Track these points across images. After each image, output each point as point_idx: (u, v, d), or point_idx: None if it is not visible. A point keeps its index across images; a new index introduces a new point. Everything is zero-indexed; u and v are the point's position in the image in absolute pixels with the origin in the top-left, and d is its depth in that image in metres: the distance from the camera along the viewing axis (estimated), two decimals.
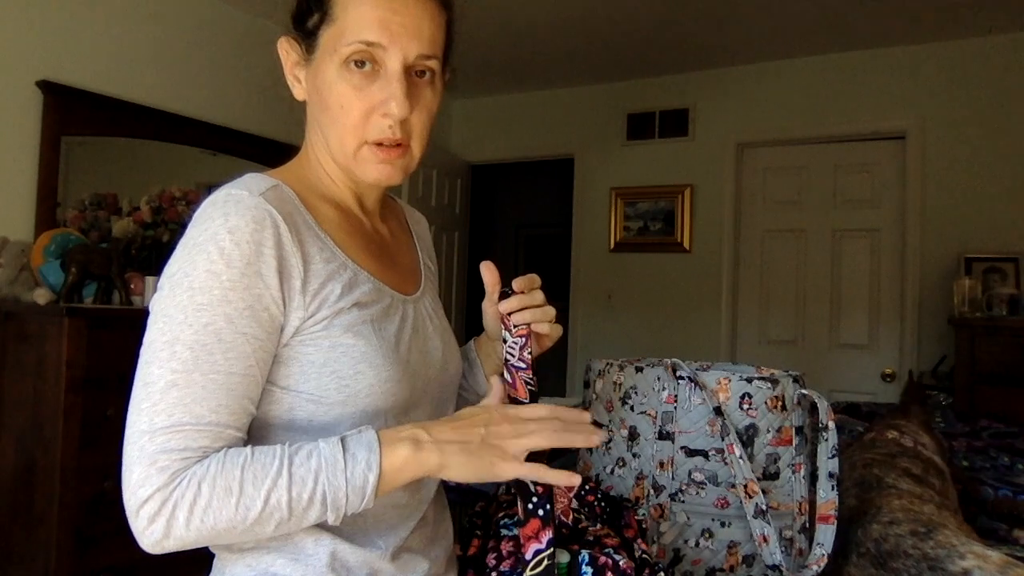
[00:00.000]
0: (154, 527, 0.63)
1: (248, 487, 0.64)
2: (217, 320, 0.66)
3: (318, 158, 0.82)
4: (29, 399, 2.14)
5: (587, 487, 0.95)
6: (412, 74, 0.76)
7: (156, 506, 0.63)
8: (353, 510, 0.67)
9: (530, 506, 0.74)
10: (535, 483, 0.72)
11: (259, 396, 0.70)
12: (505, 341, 0.82)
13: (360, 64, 0.74)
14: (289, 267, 0.70)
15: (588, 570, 0.80)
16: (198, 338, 0.65)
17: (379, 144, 0.76)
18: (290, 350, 0.72)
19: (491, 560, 0.87)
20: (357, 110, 0.74)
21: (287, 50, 0.81)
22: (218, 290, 0.66)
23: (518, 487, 0.74)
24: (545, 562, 0.73)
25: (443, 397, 0.87)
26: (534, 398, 0.77)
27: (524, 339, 0.81)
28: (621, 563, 0.81)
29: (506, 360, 0.81)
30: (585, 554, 0.81)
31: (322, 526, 0.72)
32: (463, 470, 0.69)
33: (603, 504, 0.98)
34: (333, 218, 0.79)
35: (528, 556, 0.73)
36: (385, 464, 0.66)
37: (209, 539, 0.65)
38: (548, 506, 0.73)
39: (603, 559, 0.82)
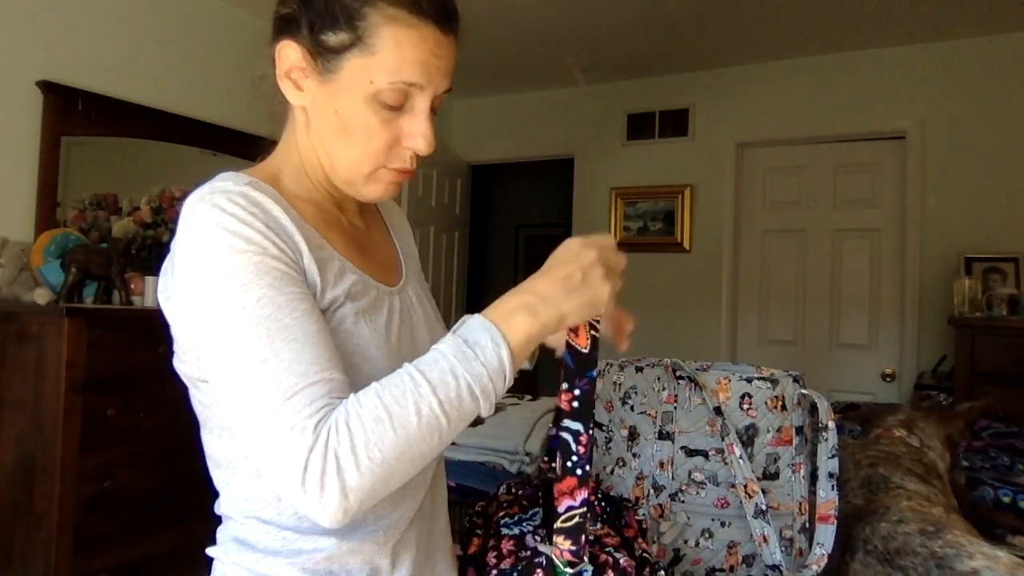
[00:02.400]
0: (328, 491, 0.60)
1: (395, 407, 0.62)
2: (266, 291, 0.65)
3: (302, 163, 0.81)
4: (29, 399, 2.14)
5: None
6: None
7: (319, 465, 0.60)
8: (501, 391, 0.67)
9: (569, 464, 0.74)
10: (576, 442, 0.73)
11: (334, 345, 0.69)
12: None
13: (394, 103, 0.74)
14: (295, 243, 0.71)
15: (588, 568, 0.80)
16: (259, 313, 0.65)
17: (397, 172, 0.78)
18: None
19: (491, 559, 0.87)
20: (383, 140, 0.75)
21: (289, 55, 0.76)
22: (250, 266, 0.66)
23: (561, 444, 0.75)
24: (576, 519, 0.73)
25: None
26: (595, 343, 0.75)
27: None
28: (621, 561, 0.82)
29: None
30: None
31: (314, 526, 0.72)
32: (580, 312, 0.70)
33: (603, 504, 0.98)
34: (311, 214, 0.79)
35: (561, 510, 0.74)
36: (511, 339, 0.66)
37: (386, 479, 0.63)
38: (588, 467, 0.73)
39: (603, 557, 0.82)
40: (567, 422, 0.73)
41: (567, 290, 0.69)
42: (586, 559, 0.76)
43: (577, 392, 0.73)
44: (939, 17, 3.08)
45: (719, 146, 3.82)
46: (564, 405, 0.73)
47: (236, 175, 0.74)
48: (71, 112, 2.59)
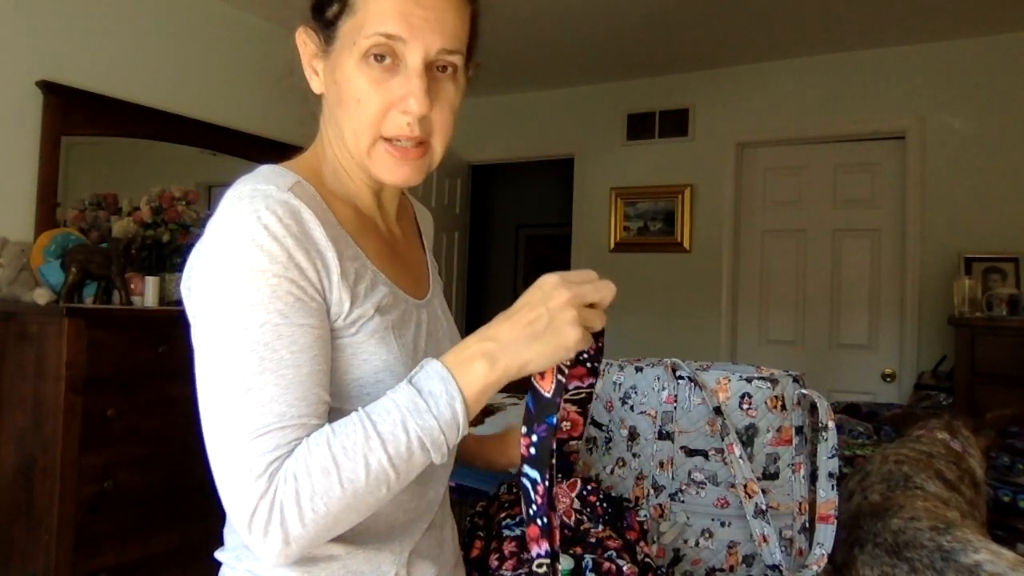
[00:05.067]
0: (270, 537, 0.61)
1: (343, 460, 0.61)
2: (272, 317, 0.64)
3: (335, 154, 0.79)
4: (29, 399, 2.14)
5: (589, 487, 0.95)
6: (434, 69, 0.73)
7: (265, 514, 0.60)
8: (453, 443, 0.65)
9: (531, 512, 0.71)
10: (534, 491, 0.70)
11: (329, 383, 0.68)
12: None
13: (379, 58, 0.71)
14: (326, 260, 0.69)
15: None
16: (259, 338, 0.63)
17: (393, 140, 0.74)
18: None
19: (494, 561, 0.87)
20: (375, 105, 0.72)
21: (305, 41, 0.78)
22: (266, 287, 0.64)
23: (522, 491, 0.72)
24: (544, 568, 0.71)
25: None
26: (560, 388, 0.70)
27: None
28: (625, 569, 0.81)
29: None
30: (589, 560, 0.81)
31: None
32: (542, 359, 0.65)
33: (605, 505, 0.98)
34: (350, 218, 0.77)
35: (532, 555, 0.73)
36: (466, 389, 0.64)
37: (330, 528, 0.63)
38: (546, 518, 0.69)
39: (607, 565, 0.81)
40: (526, 468, 0.69)
41: (530, 336, 0.65)
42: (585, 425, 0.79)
43: (534, 438, 0.68)
44: (939, 17, 3.08)
45: (719, 146, 3.82)
46: (523, 451, 0.69)
47: (282, 172, 0.72)
48: (71, 112, 2.59)
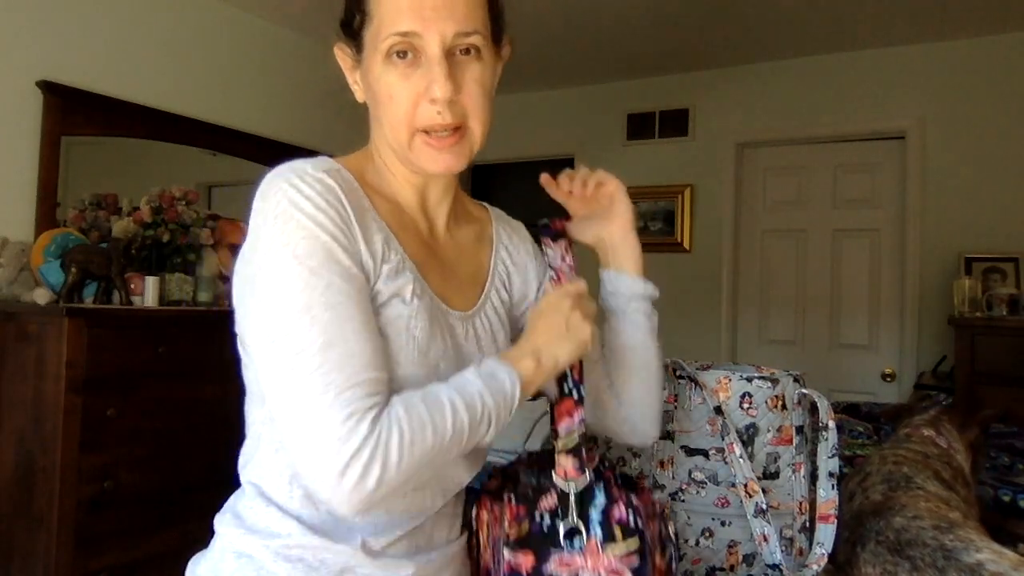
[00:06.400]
0: (368, 479, 0.63)
1: (436, 416, 0.67)
2: (335, 279, 0.68)
3: (381, 155, 0.83)
4: (29, 399, 2.14)
5: (606, 463, 0.95)
6: (456, 54, 0.75)
7: (369, 453, 0.63)
8: (503, 423, 0.73)
9: (566, 388, 0.84)
10: (570, 367, 0.83)
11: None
12: (546, 255, 0.96)
13: (402, 55, 0.74)
14: (355, 235, 0.72)
15: (600, 495, 0.83)
16: (328, 298, 0.67)
17: (430, 132, 0.76)
18: None
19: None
20: (405, 99, 0.75)
21: (341, 56, 0.83)
22: (322, 252, 0.68)
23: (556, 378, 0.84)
24: (577, 440, 0.83)
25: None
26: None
27: (564, 242, 0.97)
28: (634, 500, 0.84)
29: (549, 264, 0.96)
30: (601, 483, 0.84)
31: (289, 514, 0.74)
32: (569, 356, 0.79)
33: (619, 482, 0.98)
34: (389, 211, 0.80)
35: (560, 432, 0.83)
36: (522, 379, 0.74)
37: (412, 475, 0.67)
38: (583, 388, 0.85)
39: (616, 491, 0.84)
40: None
41: (558, 338, 0.78)
42: (589, 472, 0.83)
43: None
44: (939, 17, 3.08)
45: (719, 146, 3.82)
46: None
47: (322, 159, 0.75)
48: (71, 112, 2.59)
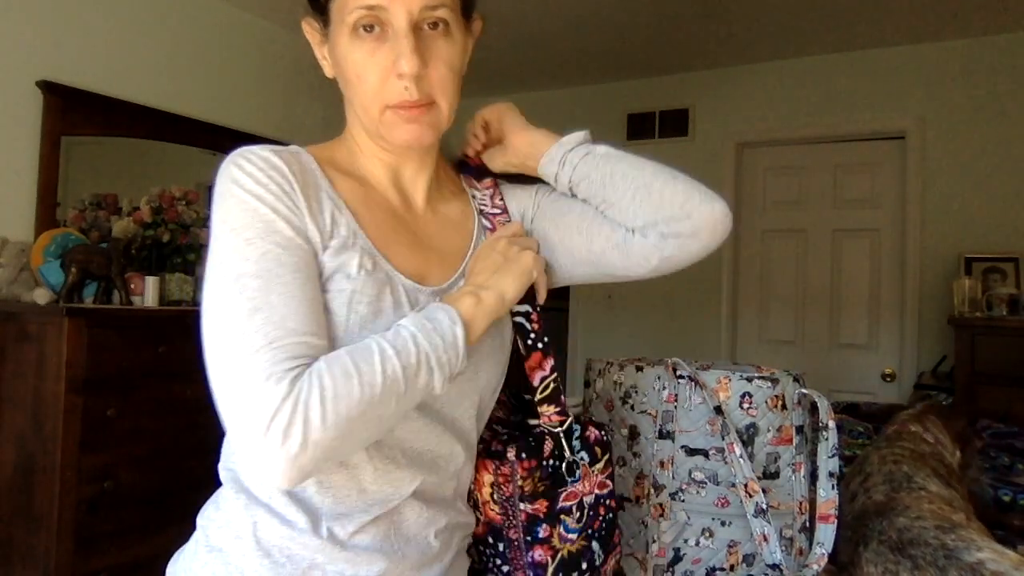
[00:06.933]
0: (290, 440, 0.60)
1: (363, 365, 0.64)
2: (271, 248, 0.68)
3: (352, 133, 0.83)
4: (29, 399, 2.14)
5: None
6: (423, 27, 0.74)
7: (288, 412, 0.60)
8: (454, 369, 0.71)
9: (529, 341, 0.85)
10: (530, 320, 0.84)
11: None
12: (475, 198, 0.93)
13: (368, 28, 0.73)
14: (300, 208, 0.72)
15: (576, 425, 0.88)
16: (260, 267, 0.66)
17: (399, 107, 0.75)
18: None
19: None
20: (373, 75, 0.74)
21: (309, 31, 0.82)
22: (260, 223, 0.68)
23: (517, 328, 0.85)
24: (551, 385, 0.85)
25: (462, 399, 0.81)
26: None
27: (491, 189, 0.94)
28: (603, 436, 0.90)
29: (481, 210, 0.92)
30: (576, 428, 0.88)
31: (256, 502, 0.73)
32: (513, 286, 0.79)
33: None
34: (352, 189, 0.79)
35: (536, 383, 0.85)
36: (463, 316, 0.72)
37: (344, 433, 0.63)
38: (545, 339, 0.85)
39: (592, 432, 0.89)
40: (516, 307, 0.83)
41: (498, 272, 0.78)
42: (570, 417, 0.86)
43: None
44: (939, 17, 3.08)
45: (719, 146, 3.82)
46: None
47: (279, 146, 0.76)
48: (71, 112, 2.59)
